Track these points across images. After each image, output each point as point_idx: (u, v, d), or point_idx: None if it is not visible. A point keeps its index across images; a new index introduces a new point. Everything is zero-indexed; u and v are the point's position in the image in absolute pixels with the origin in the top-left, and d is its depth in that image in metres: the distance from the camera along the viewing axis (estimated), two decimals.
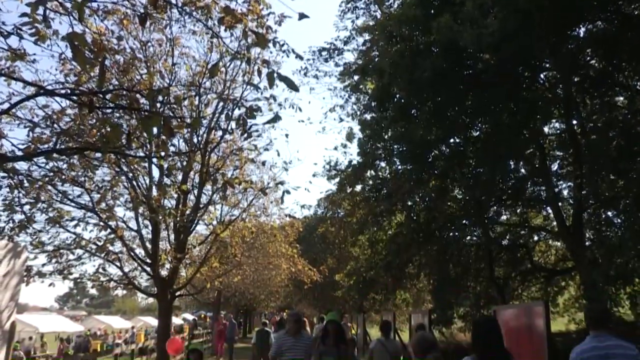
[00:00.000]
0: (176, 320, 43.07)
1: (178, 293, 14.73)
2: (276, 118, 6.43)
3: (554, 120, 15.22)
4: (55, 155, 8.87)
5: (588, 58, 13.42)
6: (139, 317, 68.39)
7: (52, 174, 10.23)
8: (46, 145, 8.17)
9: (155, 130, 5.74)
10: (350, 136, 19.70)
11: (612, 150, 11.06)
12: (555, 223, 15.74)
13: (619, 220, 12.78)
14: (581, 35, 12.90)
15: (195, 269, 15.32)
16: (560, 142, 15.29)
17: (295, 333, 7.30)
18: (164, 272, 13.64)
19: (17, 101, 6.34)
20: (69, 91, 6.18)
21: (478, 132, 15.08)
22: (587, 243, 13.48)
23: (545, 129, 15.24)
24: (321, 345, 7.36)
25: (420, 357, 4.34)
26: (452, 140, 15.29)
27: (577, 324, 18.11)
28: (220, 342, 23.61)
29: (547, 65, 13.70)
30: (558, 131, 15.74)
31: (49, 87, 6.27)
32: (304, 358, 7.25)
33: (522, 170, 15.30)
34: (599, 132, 12.10)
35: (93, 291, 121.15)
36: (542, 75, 14.62)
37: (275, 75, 4.59)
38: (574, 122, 13.50)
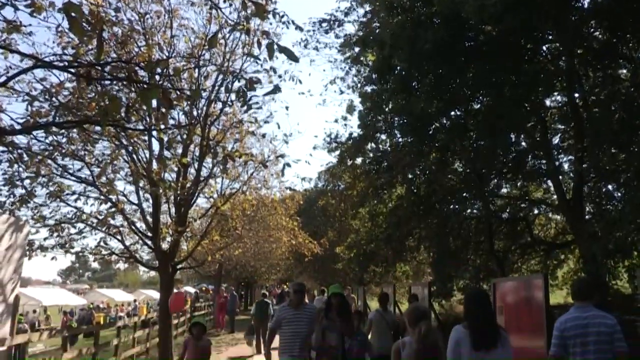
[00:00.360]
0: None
1: (179, 266, 14.81)
2: (276, 89, 6.35)
3: (555, 93, 15.11)
4: (54, 129, 8.82)
5: (592, 30, 13.25)
6: (141, 290, 69.20)
7: (51, 148, 10.18)
8: (45, 119, 8.11)
9: (154, 102, 5.69)
10: (350, 108, 19.58)
11: (614, 123, 10.98)
12: (555, 196, 15.75)
13: (619, 194, 12.78)
14: (585, 6, 12.72)
15: (196, 242, 15.38)
16: (562, 115, 15.20)
17: (297, 305, 6.91)
18: (165, 246, 13.69)
19: (14, 73, 6.28)
20: (66, 63, 6.11)
21: (479, 105, 14.99)
22: (587, 217, 13.50)
23: (547, 102, 15.16)
24: (324, 319, 6.85)
25: (413, 326, 4.68)
26: (453, 113, 15.21)
27: None
28: (221, 315, 23.78)
29: (550, 37, 13.55)
30: (560, 104, 15.64)
31: (47, 60, 6.20)
32: (307, 331, 6.83)
33: (523, 144, 15.25)
34: (601, 105, 12.01)
35: (95, 265, 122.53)
36: (544, 47, 14.46)
37: (275, 46, 4.54)
38: (576, 95, 13.41)
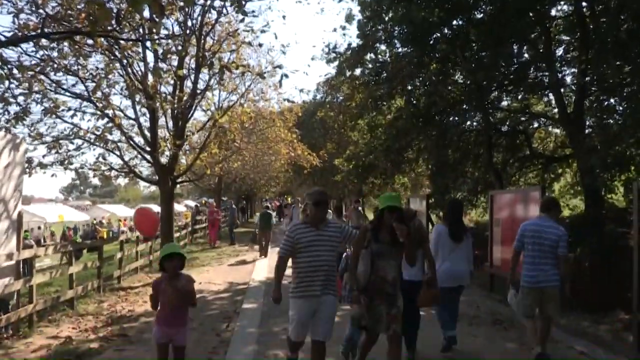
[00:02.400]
0: (178, 207, 44.14)
1: (179, 180, 14.90)
2: None
3: (562, 2, 14.57)
4: (44, 41, 8.56)
5: None
6: (142, 205, 70.08)
7: (42, 63, 9.93)
8: (33, 33, 7.84)
9: (146, 12, 5.45)
10: (349, 18, 18.93)
11: (622, 34, 10.63)
12: (556, 110, 15.57)
13: (621, 108, 12.60)
14: None
15: (195, 155, 15.42)
16: (568, 25, 14.72)
17: (318, 222, 4.96)
18: (164, 160, 13.72)
19: None
20: None
21: (482, 14, 14.49)
22: (587, 130, 13.40)
23: (553, 12, 14.63)
24: (373, 242, 4.94)
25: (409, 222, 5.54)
26: (454, 23, 14.71)
27: (571, 210, 18.50)
28: (213, 231, 23.58)
29: None
30: (566, 14, 15.11)
31: None
32: (333, 259, 5.05)
33: (526, 55, 14.88)
34: (609, 15, 11.56)
35: (95, 181, 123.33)
36: None
37: None
38: (584, 3, 12.91)
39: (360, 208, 21.85)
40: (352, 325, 5.32)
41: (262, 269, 15.06)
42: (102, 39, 8.97)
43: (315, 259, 4.86)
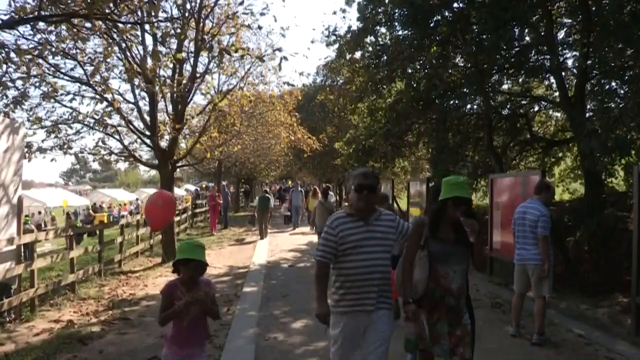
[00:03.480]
0: (178, 191, 44.15)
1: (179, 164, 14.89)
2: None
3: None
4: (41, 25, 8.49)
5: None
6: (142, 189, 70.40)
7: (40, 46, 9.86)
8: (30, 16, 7.77)
9: None
10: (349, 0, 18.81)
11: (624, 16, 10.53)
12: (557, 93, 15.49)
13: (623, 92, 12.53)
14: None
15: (194, 139, 15.39)
16: (569, 8, 14.59)
17: (368, 213, 3.74)
18: (163, 144, 13.70)
19: None
20: None
21: None
22: (588, 114, 13.34)
23: None
24: (431, 241, 3.93)
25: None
26: (455, 5, 14.60)
27: (571, 194, 18.48)
28: (214, 218, 23.20)
29: None
30: None
31: None
32: (387, 263, 3.77)
33: (527, 38, 14.77)
34: None
35: (95, 166, 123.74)
36: None
37: None
38: None
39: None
40: (406, 349, 4.03)
41: (262, 252, 15.10)
42: (100, 22, 8.90)
43: (367, 264, 3.66)
